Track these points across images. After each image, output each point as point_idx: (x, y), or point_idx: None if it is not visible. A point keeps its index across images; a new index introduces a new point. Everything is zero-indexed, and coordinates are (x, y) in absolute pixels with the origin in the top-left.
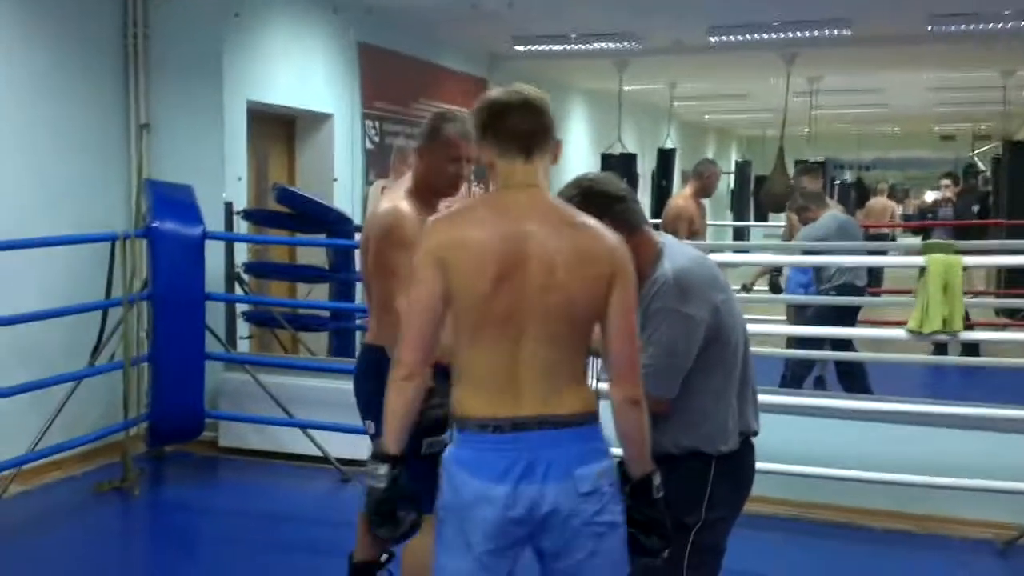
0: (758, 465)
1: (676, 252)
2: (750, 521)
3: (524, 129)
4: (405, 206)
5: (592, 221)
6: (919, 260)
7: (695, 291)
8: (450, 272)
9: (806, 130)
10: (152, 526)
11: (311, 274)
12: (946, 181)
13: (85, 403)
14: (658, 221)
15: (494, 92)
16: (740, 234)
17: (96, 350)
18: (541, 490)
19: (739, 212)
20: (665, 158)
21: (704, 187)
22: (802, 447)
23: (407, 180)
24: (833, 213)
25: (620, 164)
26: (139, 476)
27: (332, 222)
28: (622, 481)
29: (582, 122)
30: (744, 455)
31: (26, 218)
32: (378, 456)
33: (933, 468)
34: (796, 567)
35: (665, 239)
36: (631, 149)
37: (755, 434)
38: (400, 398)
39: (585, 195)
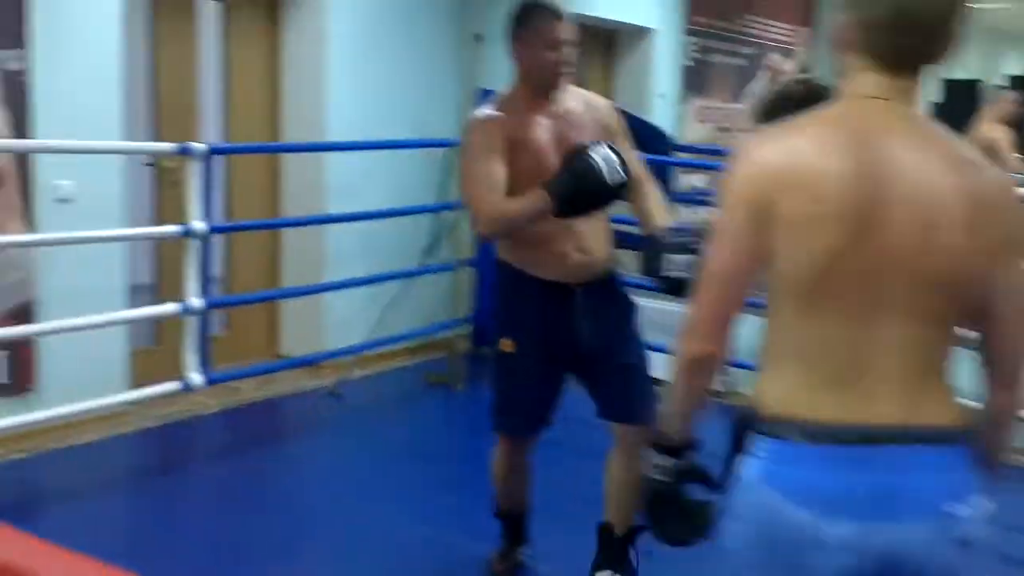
0: None
1: None
2: None
3: (914, 26)
4: (479, 112)
5: (985, 161)
6: None
7: None
8: (777, 219)
9: None
10: (471, 419)
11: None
12: None
13: (416, 300)
14: None
15: None
16: None
17: (429, 250)
18: (899, 531)
19: None
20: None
21: (999, 113)
22: None
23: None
24: None
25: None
26: (462, 373)
27: (650, 140)
28: None
29: None
30: None
31: (369, 123)
32: (660, 446)
33: None
34: None
35: None
36: (973, 75)
37: None
38: (695, 381)
39: (811, 91)
